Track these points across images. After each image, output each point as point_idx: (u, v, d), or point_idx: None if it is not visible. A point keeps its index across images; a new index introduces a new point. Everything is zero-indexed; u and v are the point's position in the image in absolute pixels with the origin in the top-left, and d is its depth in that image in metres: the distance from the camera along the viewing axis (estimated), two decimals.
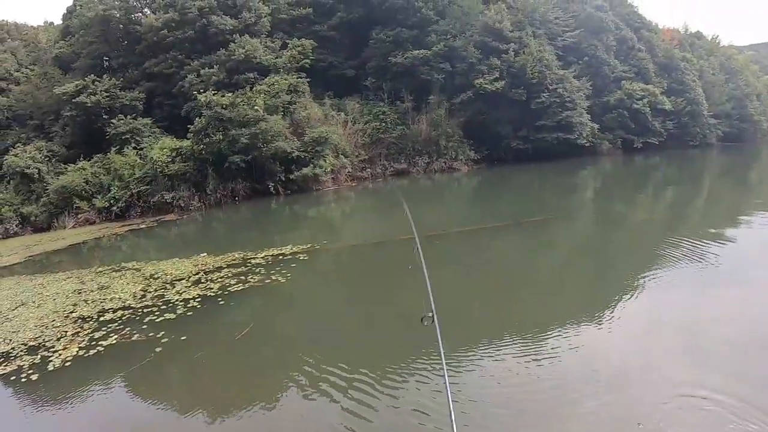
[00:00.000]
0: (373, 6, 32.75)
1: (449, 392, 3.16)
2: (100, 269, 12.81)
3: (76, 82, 27.10)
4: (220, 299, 9.24)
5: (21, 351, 7.69)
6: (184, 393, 6.44)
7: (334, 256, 13.17)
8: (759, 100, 50.30)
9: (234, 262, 11.84)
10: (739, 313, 7.19)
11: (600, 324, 7.04)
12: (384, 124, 30.79)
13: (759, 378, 5.40)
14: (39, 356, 7.42)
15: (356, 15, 33.40)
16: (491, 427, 4.85)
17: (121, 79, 29.08)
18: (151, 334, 7.86)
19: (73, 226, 22.62)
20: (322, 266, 12.25)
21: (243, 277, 10.38)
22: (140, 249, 17.03)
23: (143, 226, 20.64)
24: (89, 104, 26.36)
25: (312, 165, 25.38)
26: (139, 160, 24.60)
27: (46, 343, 7.86)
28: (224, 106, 24.21)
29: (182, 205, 23.49)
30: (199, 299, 9.27)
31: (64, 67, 32.26)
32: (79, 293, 10.59)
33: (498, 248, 12.50)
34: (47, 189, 23.69)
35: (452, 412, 2.94)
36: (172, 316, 8.57)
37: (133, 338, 7.83)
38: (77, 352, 7.44)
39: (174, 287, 10.20)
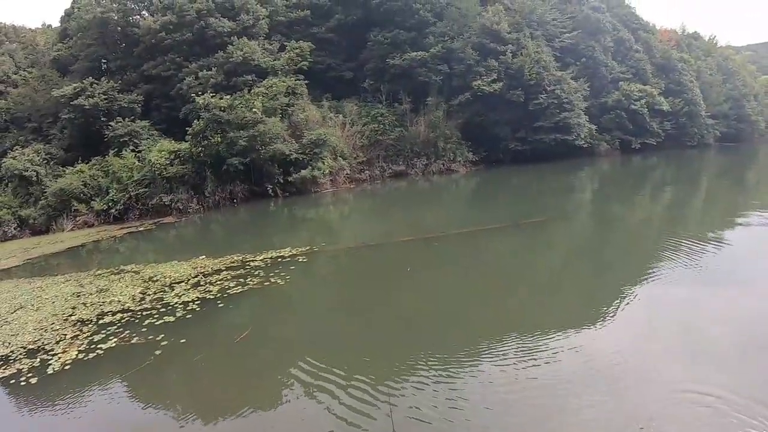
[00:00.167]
0: (370, 8, 32.80)
1: None
2: (98, 272, 12.79)
3: (74, 85, 27.10)
4: (219, 302, 9.24)
5: (20, 354, 7.69)
6: (184, 396, 6.44)
7: (333, 258, 13.17)
8: (756, 101, 50.53)
9: (233, 264, 11.85)
10: (737, 312, 7.23)
11: (599, 324, 7.08)
12: (382, 125, 30.80)
13: (758, 377, 5.44)
14: (38, 359, 7.42)
15: (354, 17, 33.44)
16: None
17: (119, 81, 29.09)
18: (150, 337, 7.86)
19: (72, 229, 22.61)
20: (320, 268, 12.26)
21: (242, 280, 10.39)
22: (139, 252, 17.02)
23: (142, 228, 20.62)
24: (87, 107, 26.37)
25: (310, 167, 25.39)
26: (137, 163, 24.59)
27: (46, 347, 7.86)
28: (222, 109, 24.23)
29: (181, 207, 23.48)
30: (199, 302, 9.27)
31: (62, 69, 32.26)
32: (78, 296, 10.57)
33: (496, 249, 12.52)
34: (45, 192, 23.68)
35: None
36: (172, 318, 8.58)
37: (132, 341, 7.83)
38: (76, 355, 7.44)
39: (173, 290, 10.19)
